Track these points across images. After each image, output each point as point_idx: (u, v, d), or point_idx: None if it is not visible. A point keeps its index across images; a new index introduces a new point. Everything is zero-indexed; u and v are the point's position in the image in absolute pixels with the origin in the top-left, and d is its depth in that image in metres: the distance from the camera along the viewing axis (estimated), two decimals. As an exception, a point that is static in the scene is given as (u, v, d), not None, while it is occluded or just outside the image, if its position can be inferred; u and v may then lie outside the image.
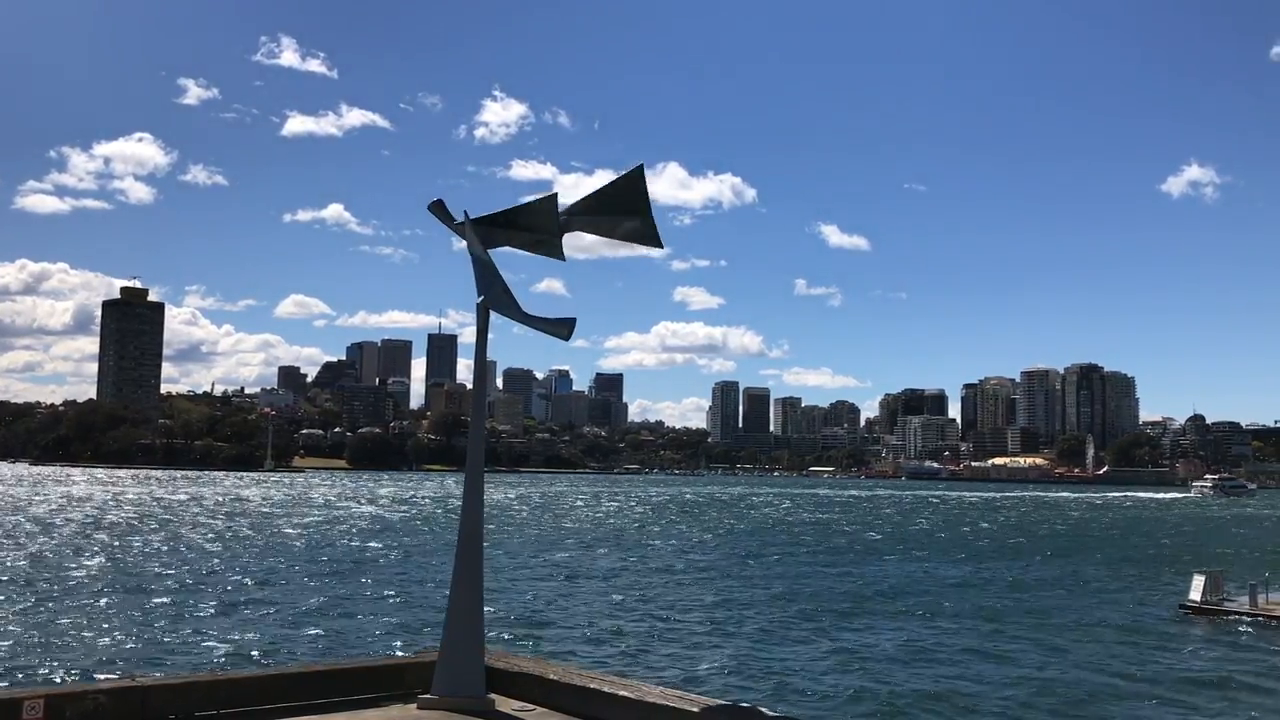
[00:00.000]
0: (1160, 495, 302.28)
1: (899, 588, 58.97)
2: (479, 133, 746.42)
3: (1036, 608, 51.73)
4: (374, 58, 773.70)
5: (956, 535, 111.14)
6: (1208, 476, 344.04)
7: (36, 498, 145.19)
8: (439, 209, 13.70)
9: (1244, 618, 46.86)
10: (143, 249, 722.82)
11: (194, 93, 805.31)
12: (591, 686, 11.80)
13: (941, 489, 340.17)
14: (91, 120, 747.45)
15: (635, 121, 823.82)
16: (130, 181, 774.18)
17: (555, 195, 13.47)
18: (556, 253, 13.69)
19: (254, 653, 34.51)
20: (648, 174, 13.53)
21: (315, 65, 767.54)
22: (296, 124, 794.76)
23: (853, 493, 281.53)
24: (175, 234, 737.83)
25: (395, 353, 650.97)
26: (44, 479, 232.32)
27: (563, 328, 13.58)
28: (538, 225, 13.43)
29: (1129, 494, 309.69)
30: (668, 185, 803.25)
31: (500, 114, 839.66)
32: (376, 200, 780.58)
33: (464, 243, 13.39)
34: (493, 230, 13.47)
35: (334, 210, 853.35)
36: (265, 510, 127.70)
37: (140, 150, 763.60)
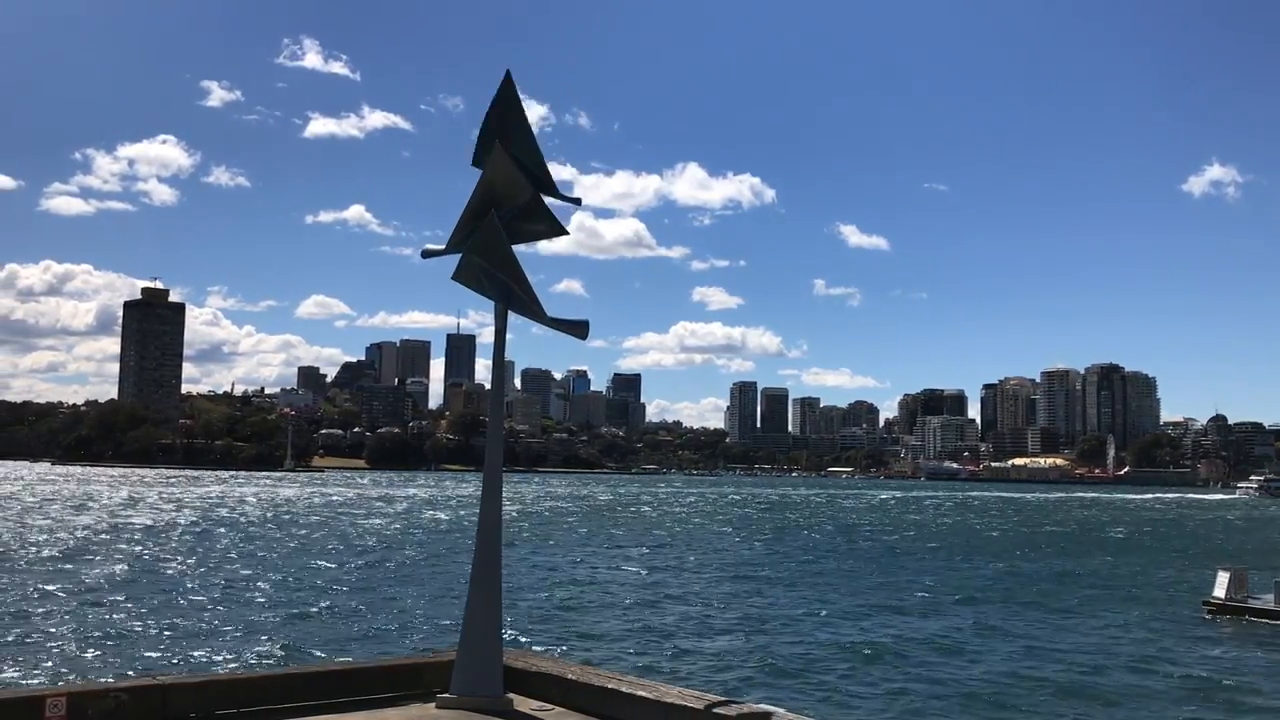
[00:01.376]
0: (1207, 496, 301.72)
1: (938, 586, 58.85)
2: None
3: (1060, 602, 51.57)
4: (395, 59, 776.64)
5: (1022, 537, 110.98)
6: (1253, 477, 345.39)
7: (97, 498, 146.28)
8: (430, 254, 13.54)
9: (1268, 615, 46.62)
10: (165, 250, 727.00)
11: (217, 94, 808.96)
12: (610, 686, 11.78)
13: (976, 491, 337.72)
14: (115, 122, 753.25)
15: (655, 122, 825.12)
16: (154, 183, 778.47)
17: (497, 145, 12.61)
18: (557, 229, 13.43)
19: (279, 651, 34.69)
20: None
21: (338, 67, 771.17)
22: (319, 126, 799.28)
23: (884, 494, 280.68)
24: (198, 235, 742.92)
25: (414, 353, 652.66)
26: (88, 480, 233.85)
27: (580, 329, 13.56)
28: (508, 185, 12.72)
29: (1181, 495, 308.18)
30: (688, 186, 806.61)
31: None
32: (398, 201, 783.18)
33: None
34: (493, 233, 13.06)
35: (355, 211, 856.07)
36: (307, 510, 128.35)
37: (164, 152, 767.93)
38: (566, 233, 13.95)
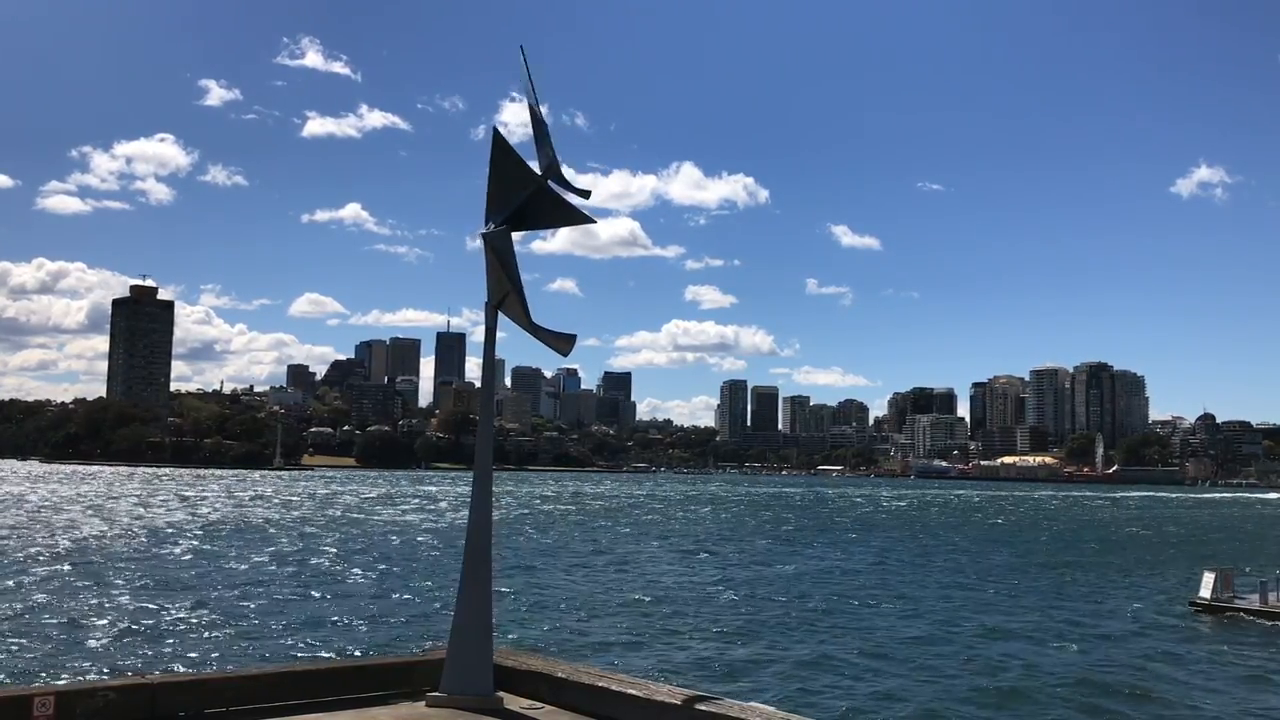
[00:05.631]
0: (1267, 496, 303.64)
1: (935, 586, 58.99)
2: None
3: (1050, 602, 51.70)
4: (396, 60, 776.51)
5: (1061, 536, 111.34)
6: None
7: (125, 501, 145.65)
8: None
9: (1253, 615, 46.86)
10: (161, 249, 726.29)
11: (216, 93, 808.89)
12: (600, 685, 11.78)
13: (971, 490, 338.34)
14: (113, 120, 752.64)
15: (650, 123, 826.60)
16: (151, 182, 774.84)
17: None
18: (580, 218, 13.67)
19: (268, 650, 34.62)
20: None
21: (338, 67, 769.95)
22: (317, 125, 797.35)
23: (888, 492, 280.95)
24: (193, 234, 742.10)
25: (404, 351, 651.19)
26: (91, 479, 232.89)
27: (564, 343, 13.46)
28: (514, 177, 13.02)
29: (1237, 496, 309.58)
30: (683, 186, 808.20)
31: (518, 115, 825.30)
32: (394, 200, 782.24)
33: (478, 241, 13.26)
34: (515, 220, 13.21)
35: (352, 210, 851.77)
36: (296, 509, 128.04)
37: (161, 150, 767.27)
38: (594, 220, 14.13)
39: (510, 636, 35.69)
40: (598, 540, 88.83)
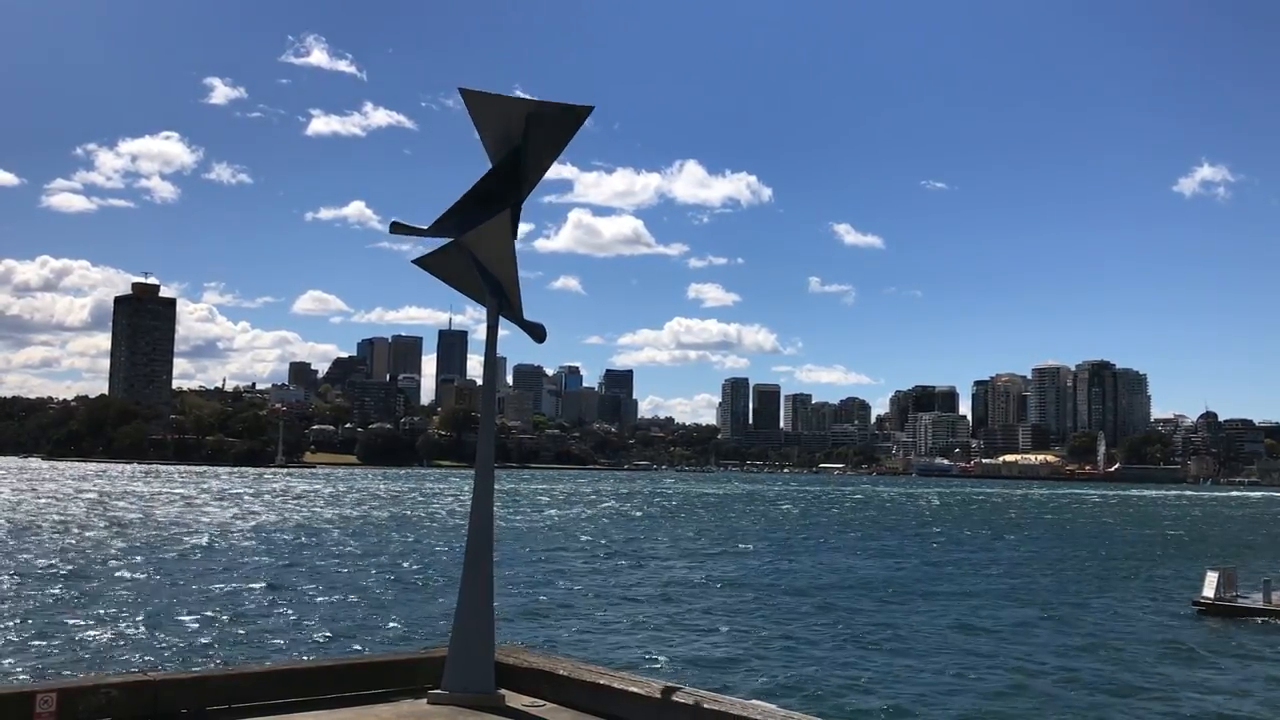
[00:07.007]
0: (1271, 494, 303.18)
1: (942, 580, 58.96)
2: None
3: (1053, 599, 51.69)
4: (401, 58, 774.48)
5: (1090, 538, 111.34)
6: None
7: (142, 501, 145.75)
8: (400, 230, 13.53)
9: (1257, 614, 46.86)
10: (165, 246, 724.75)
11: (221, 92, 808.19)
12: (601, 682, 11.79)
13: (971, 488, 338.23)
14: (118, 118, 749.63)
15: (654, 122, 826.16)
16: (156, 180, 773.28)
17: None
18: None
19: (271, 648, 34.65)
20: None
21: (343, 66, 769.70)
22: (321, 124, 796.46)
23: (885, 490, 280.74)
24: (198, 232, 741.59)
25: (406, 349, 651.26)
26: (108, 478, 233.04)
27: (538, 331, 13.54)
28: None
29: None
30: (687, 184, 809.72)
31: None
32: (398, 198, 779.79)
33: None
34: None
35: (355, 208, 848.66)
36: (296, 508, 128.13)
37: (166, 148, 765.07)
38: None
39: (512, 635, 35.70)
40: (611, 540, 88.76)
